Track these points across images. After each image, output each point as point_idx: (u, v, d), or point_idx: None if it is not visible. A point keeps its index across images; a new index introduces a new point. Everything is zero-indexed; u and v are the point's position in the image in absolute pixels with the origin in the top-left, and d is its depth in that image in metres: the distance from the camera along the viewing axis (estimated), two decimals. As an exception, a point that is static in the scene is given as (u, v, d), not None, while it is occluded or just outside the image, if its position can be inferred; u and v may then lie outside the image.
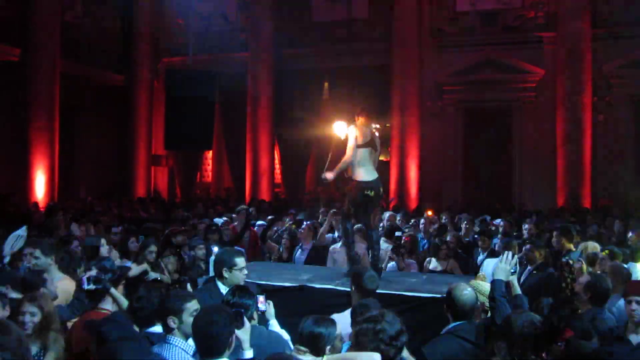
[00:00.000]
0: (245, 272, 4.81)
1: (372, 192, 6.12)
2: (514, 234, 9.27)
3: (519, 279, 4.81)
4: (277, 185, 19.55)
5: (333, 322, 3.60)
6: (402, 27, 16.33)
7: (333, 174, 6.29)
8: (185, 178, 20.17)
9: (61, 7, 16.47)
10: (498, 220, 10.62)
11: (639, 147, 15.23)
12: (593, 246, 8.05)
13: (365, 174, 6.11)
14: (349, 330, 4.22)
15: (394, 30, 16.50)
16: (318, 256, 7.94)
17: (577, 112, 14.94)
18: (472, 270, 7.66)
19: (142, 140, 18.89)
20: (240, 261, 4.75)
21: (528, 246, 5.89)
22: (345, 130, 6.20)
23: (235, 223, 9.35)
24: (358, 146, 6.09)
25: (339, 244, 8.03)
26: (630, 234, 8.25)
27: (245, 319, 3.56)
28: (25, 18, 15.59)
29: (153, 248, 6.51)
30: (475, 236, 8.87)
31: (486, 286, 4.33)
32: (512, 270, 4.07)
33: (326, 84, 17.88)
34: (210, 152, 20.65)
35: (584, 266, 5.60)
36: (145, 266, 6.51)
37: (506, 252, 4.12)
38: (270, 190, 17.89)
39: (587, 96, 14.96)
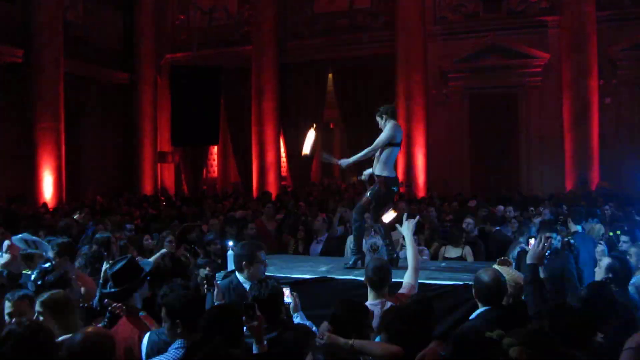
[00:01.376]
0: (266, 264, 4.81)
1: (396, 189, 6.19)
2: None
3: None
4: (283, 178, 19.54)
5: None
6: (405, 15, 16.25)
7: (350, 162, 6.38)
8: (192, 174, 20.18)
9: (62, 6, 16.43)
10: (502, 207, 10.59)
11: (647, 128, 15.18)
12: (599, 227, 8.10)
13: (390, 171, 6.13)
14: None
15: (397, 18, 16.43)
16: (333, 247, 7.94)
17: (584, 95, 14.87)
18: (484, 256, 7.68)
19: (148, 137, 18.91)
20: (261, 254, 4.74)
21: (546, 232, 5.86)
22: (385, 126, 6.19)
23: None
24: (392, 145, 6.10)
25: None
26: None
27: (258, 313, 3.55)
28: (27, 19, 15.55)
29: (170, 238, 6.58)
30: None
31: (510, 272, 4.33)
32: (547, 254, 4.06)
33: (330, 75, 17.82)
34: (216, 147, 20.65)
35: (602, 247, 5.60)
36: (164, 250, 6.57)
37: (540, 235, 4.10)
38: (277, 183, 17.88)
39: (593, 79, 14.88)
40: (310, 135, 7.00)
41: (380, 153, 6.10)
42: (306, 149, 6.94)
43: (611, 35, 15.01)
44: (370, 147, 6.14)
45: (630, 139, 15.14)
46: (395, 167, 6.28)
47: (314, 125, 7.00)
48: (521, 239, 7.40)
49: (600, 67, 14.93)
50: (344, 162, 6.39)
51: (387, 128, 6.07)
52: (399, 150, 6.23)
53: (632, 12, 14.86)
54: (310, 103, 18.09)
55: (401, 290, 4.61)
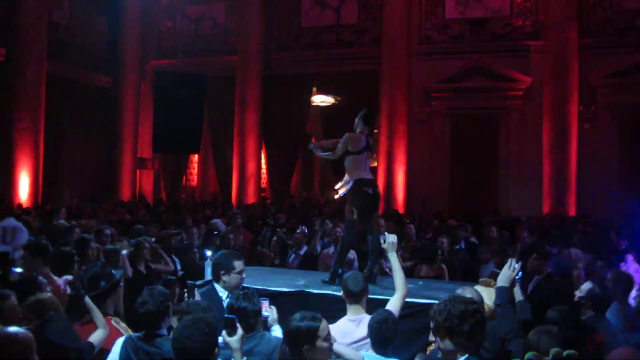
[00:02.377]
0: (244, 275, 4.78)
1: (371, 190, 6.14)
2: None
3: (526, 289, 4.84)
4: (263, 189, 19.50)
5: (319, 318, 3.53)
6: (391, 34, 16.40)
7: (318, 149, 6.61)
8: (171, 181, 20.05)
9: (48, 7, 16.32)
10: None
11: (624, 155, 15.37)
12: (575, 252, 8.19)
13: (361, 173, 6.15)
14: (347, 339, 4.20)
15: (383, 36, 16.57)
16: (310, 262, 7.92)
17: (564, 120, 15.05)
18: (459, 275, 7.73)
19: (128, 142, 18.76)
20: (239, 264, 4.72)
21: (535, 255, 5.90)
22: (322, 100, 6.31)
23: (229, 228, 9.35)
24: (353, 153, 6.13)
25: (331, 249, 8.03)
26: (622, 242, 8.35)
27: (239, 326, 3.53)
28: (11, 17, 15.41)
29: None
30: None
31: (489, 291, 4.35)
32: (517, 277, 4.08)
33: (314, 89, 17.87)
34: (196, 155, 20.56)
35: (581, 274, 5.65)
36: (125, 251, 6.47)
37: (510, 259, 4.13)
38: (257, 194, 17.83)
39: (573, 105, 15.08)
40: (329, 100, 7.06)
41: (344, 162, 6.19)
42: (317, 99, 7.00)
43: (591, 62, 15.23)
44: (328, 155, 6.30)
45: (608, 164, 15.35)
46: (366, 171, 6.26)
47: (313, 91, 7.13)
48: (491, 263, 7.49)
49: (581, 93, 15.15)
50: (315, 149, 6.58)
51: (350, 137, 6.16)
52: (362, 156, 6.20)
53: (613, 41, 15.12)
54: (293, 116, 18.11)
55: None
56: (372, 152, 6.34)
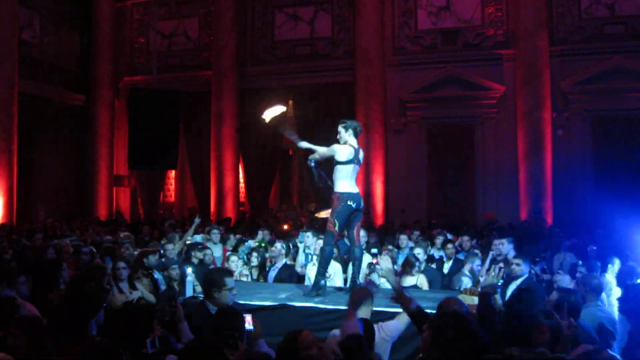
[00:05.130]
0: (235, 292, 4.76)
1: (354, 204, 6.16)
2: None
3: (504, 294, 4.85)
4: (241, 204, 19.41)
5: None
6: (364, 45, 16.52)
7: (304, 145, 6.56)
8: (148, 198, 19.85)
9: (18, 25, 16.15)
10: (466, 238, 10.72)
11: (597, 160, 15.60)
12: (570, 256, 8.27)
13: (348, 186, 6.15)
14: None
15: (357, 48, 16.69)
16: (286, 276, 7.86)
17: (537, 127, 15.26)
18: (440, 284, 7.75)
19: (104, 160, 18.56)
20: (230, 281, 4.70)
21: (518, 260, 5.93)
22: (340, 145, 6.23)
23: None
24: (340, 163, 6.14)
25: (312, 262, 7.98)
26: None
27: (240, 342, 3.50)
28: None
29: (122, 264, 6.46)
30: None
31: (474, 300, 4.37)
32: (500, 284, 4.12)
33: (290, 102, 17.86)
34: (173, 171, 20.41)
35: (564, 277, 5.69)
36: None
37: (494, 266, 4.16)
38: (235, 209, 17.75)
39: (546, 112, 15.30)
40: (279, 108, 6.93)
41: (334, 171, 6.19)
42: (267, 114, 6.85)
43: (563, 70, 15.51)
44: (323, 149, 6.29)
45: (582, 170, 15.57)
46: (352, 184, 6.26)
47: (289, 103, 6.99)
48: (465, 270, 7.51)
49: (553, 100, 15.37)
50: (301, 142, 6.55)
51: (340, 148, 6.14)
52: (352, 167, 6.22)
53: (583, 48, 15.42)
54: (269, 129, 18.00)
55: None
56: (359, 165, 6.35)
